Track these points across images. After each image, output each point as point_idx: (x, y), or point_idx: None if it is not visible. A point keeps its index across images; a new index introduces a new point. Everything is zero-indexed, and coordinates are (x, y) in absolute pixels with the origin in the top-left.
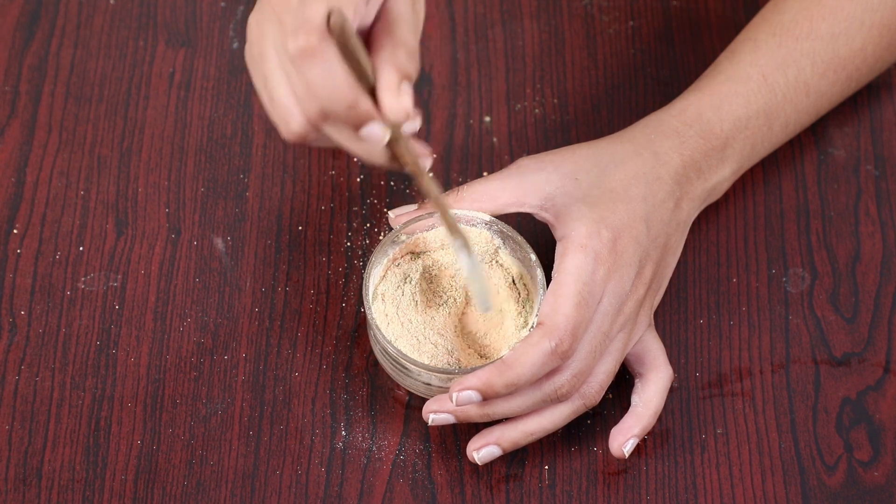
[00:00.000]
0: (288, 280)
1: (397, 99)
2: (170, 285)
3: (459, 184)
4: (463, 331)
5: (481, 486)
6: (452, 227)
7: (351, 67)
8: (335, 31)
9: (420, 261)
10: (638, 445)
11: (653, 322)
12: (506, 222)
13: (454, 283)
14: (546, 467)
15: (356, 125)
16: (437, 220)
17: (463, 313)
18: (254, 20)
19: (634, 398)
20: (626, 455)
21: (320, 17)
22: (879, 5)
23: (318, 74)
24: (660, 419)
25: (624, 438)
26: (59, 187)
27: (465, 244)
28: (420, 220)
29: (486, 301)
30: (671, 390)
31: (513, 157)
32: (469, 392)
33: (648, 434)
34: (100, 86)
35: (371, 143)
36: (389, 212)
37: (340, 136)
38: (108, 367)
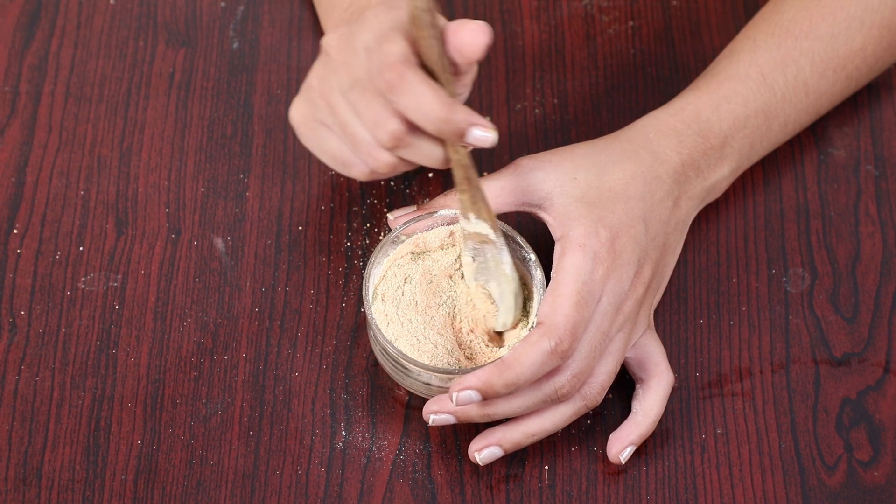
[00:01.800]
0: (288, 280)
1: (471, 26)
2: (170, 285)
3: None
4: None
5: (481, 486)
6: (495, 227)
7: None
8: (417, 17)
9: (420, 261)
10: (638, 446)
11: (653, 324)
12: (506, 222)
13: (454, 284)
14: (546, 467)
15: (458, 135)
16: (436, 220)
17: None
18: (313, 80)
19: (635, 405)
20: (623, 462)
21: (398, 52)
22: (879, 5)
23: (409, 101)
24: (660, 420)
25: (622, 446)
26: (59, 187)
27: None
28: (420, 220)
29: (508, 317)
30: (671, 390)
31: (513, 157)
32: (469, 392)
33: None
34: (100, 86)
35: (481, 145)
36: (389, 214)
37: (414, 154)
38: (108, 367)
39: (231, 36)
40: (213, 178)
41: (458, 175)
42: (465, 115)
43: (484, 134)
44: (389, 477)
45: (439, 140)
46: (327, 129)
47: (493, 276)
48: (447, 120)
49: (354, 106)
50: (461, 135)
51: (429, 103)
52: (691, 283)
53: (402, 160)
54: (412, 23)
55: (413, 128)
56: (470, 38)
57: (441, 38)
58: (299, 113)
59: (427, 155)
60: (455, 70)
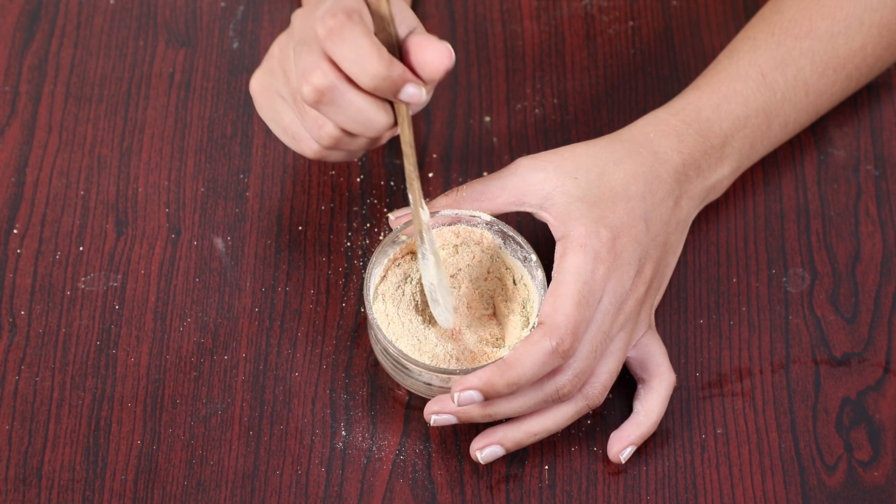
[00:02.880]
0: (288, 280)
1: (437, 46)
2: (170, 285)
3: (459, 184)
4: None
5: (481, 486)
6: (420, 232)
7: (380, 36)
8: None
9: None
10: (639, 446)
11: (654, 324)
12: (506, 222)
13: (454, 283)
14: (546, 467)
15: (392, 92)
16: (437, 220)
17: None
18: (275, 49)
19: (636, 405)
20: (624, 461)
21: (347, 5)
22: (878, 4)
23: (347, 51)
24: (661, 419)
25: (622, 445)
26: (59, 187)
27: (435, 252)
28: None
29: (447, 314)
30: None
31: (513, 157)
32: (470, 392)
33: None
34: (100, 86)
35: (413, 103)
36: (389, 214)
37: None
38: (108, 367)
39: (231, 36)
40: (213, 178)
41: (408, 164)
42: (402, 71)
43: (414, 90)
44: (389, 477)
45: (370, 99)
46: (282, 100)
47: (426, 273)
48: (385, 73)
49: (294, 62)
50: (395, 90)
51: (367, 56)
52: (691, 283)
53: (346, 133)
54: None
55: (343, 84)
56: (432, 57)
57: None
58: (258, 82)
59: (354, 116)
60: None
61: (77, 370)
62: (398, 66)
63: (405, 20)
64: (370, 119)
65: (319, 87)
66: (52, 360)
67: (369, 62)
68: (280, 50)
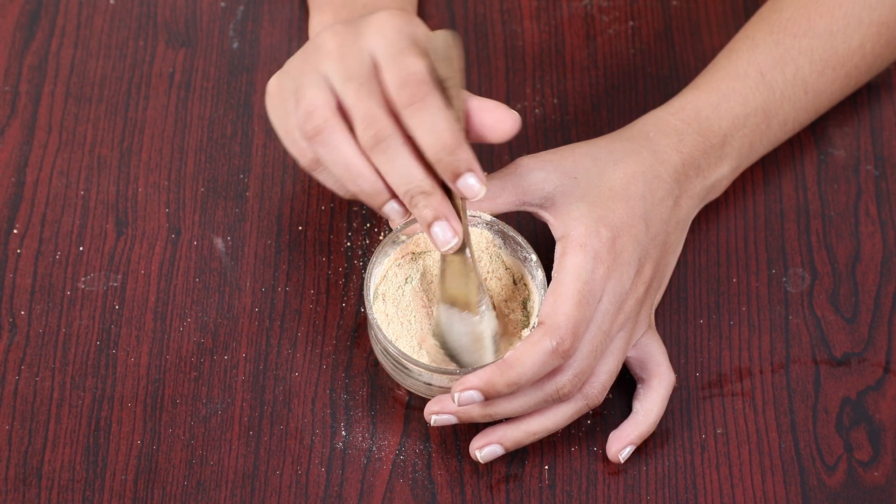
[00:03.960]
0: (288, 280)
1: (503, 110)
2: (170, 285)
3: None
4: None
5: (481, 486)
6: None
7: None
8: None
9: (420, 261)
10: (639, 445)
11: (654, 324)
12: (506, 222)
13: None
14: (546, 467)
15: (454, 172)
16: None
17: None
18: (298, 62)
19: (636, 404)
20: (623, 461)
21: (422, 70)
22: (877, 3)
23: (424, 119)
24: (660, 419)
25: (621, 445)
26: (59, 187)
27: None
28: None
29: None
30: (672, 390)
31: (513, 157)
32: (471, 392)
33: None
34: (100, 86)
35: (466, 194)
36: None
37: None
38: (108, 367)
39: (231, 36)
40: (213, 178)
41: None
42: (469, 156)
43: (475, 183)
44: (389, 477)
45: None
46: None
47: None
48: (452, 151)
49: (345, 96)
50: (456, 173)
51: (443, 129)
52: (691, 283)
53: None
54: (431, 55)
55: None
56: (497, 118)
57: (459, 87)
58: (276, 83)
59: (343, 165)
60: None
61: (77, 370)
62: (468, 150)
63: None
64: (357, 169)
65: (318, 126)
66: (52, 360)
67: (443, 133)
68: (304, 62)
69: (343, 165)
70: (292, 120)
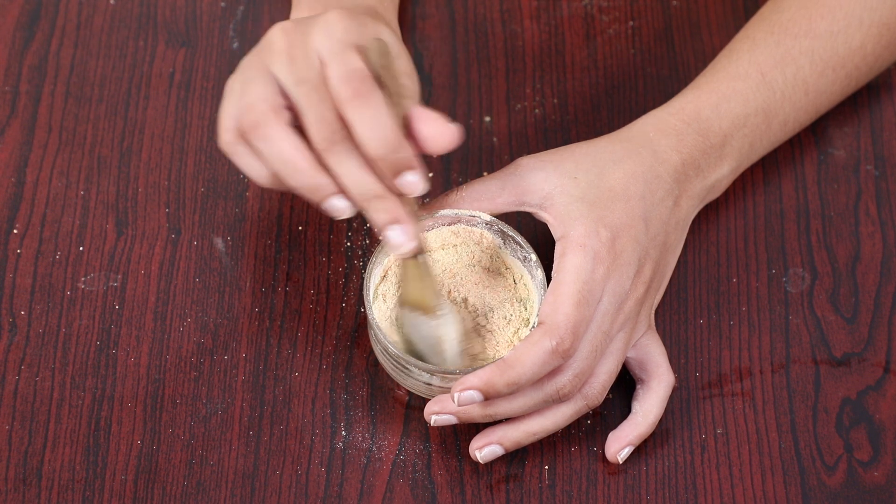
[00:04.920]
0: (288, 280)
1: (444, 124)
2: (170, 285)
3: (459, 184)
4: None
5: (481, 486)
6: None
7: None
8: (373, 60)
9: None
10: (638, 445)
11: (654, 325)
12: (506, 222)
13: (454, 282)
14: (546, 467)
15: (395, 169)
16: (437, 220)
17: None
18: (254, 60)
19: (635, 405)
20: (621, 461)
21: (363, 68)
22: (878, 4)
23: (369, 115)
24: (660, 419)
25: (620, 446)
26: (59, 187)
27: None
28: (420, 220)
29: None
30: (672, 391)
31: (513, 157)
32: (471, 392)
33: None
34: (100, 86)
35: (406, 190)
36: None
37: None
38: (108, 367)
39: (231, 36)
40: (213, 178)
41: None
42: (410, 153)
43: (416, 180)
44: (389, 477)
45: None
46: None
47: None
48: (395, 148)
49: (297, 99)
50: (398, 169)
51: (386, 125)
52: (691, 283)
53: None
54: (370, 62)
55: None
56: (437, 133)
57: (400, 94)
58: (231, 82)
59: (279, 156)
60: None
61: (77, 370)
62: (410, 150)
63: (409, 90)
64: (295, 165)
65: (256, 121)
66: (52, 360)
67: (385, 130)
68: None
69: (280, 161)
70: (231, 112)
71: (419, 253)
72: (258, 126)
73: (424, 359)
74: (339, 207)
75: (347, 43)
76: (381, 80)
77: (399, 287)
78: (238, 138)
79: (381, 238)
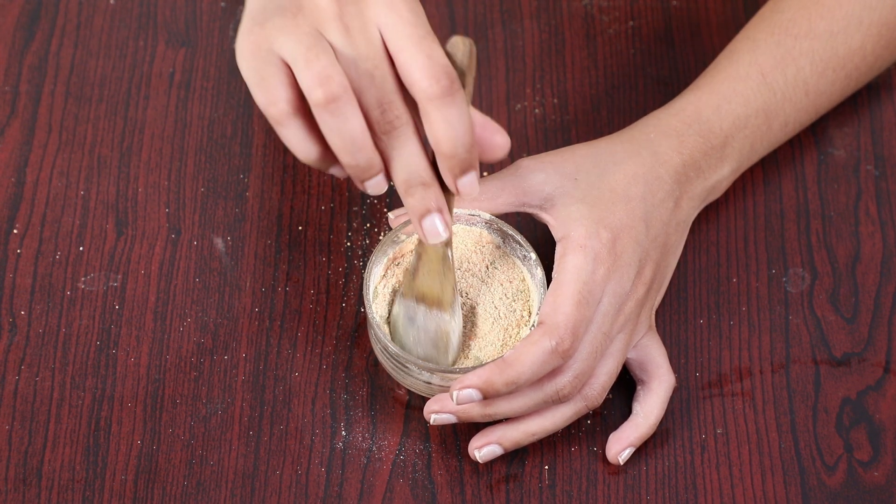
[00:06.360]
0: (288, 280)
1: (502, 137)
2: (170, 285)
3: None
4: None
5: (481, 486)
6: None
7: None
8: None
9: None
10: (638, 447)
11: (654, 326)
12: (506, 222)
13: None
14: (546, 467)
15: (461, 169)
16: None
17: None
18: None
19: (635, 406)
20: (622, 462)
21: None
22: (878, 4)
23: (455, 114)
24: (660, 421)
25: (621, 447)
26: (59, 187)
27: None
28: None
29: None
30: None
31: (513, 158)
32: (470, 391)
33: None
34: (100, 86)
35: (467, 192)
36: (389, 213)
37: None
38: (108, 367)
39: (231, 36)
40: (213, 178)
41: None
42: (477, 157)
43: (475, 182)
44: (389, 477)
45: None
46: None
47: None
48: (469, 148)
49: (358, 77)
50: (463, 169)
51: (465, 127)
52: (691, 283)
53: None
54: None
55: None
56: (493, 142)
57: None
58: (255, 42)
59: (352, 135)
60: None
61: (77, 370)
62: (477, 149)
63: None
64: (360, 143)
65: (335, 94)
66: (52, 360)
67: (465, 133)
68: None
69: (349, 138)
70: (272, 71)
71: (448, 245)
72: (337, 100)
73: (426, 354)
74: (379, 186)
75: (420, 26)
76: (464, 80)
77: (412, 277)
78: (297, 109)
79: (417, 225)
